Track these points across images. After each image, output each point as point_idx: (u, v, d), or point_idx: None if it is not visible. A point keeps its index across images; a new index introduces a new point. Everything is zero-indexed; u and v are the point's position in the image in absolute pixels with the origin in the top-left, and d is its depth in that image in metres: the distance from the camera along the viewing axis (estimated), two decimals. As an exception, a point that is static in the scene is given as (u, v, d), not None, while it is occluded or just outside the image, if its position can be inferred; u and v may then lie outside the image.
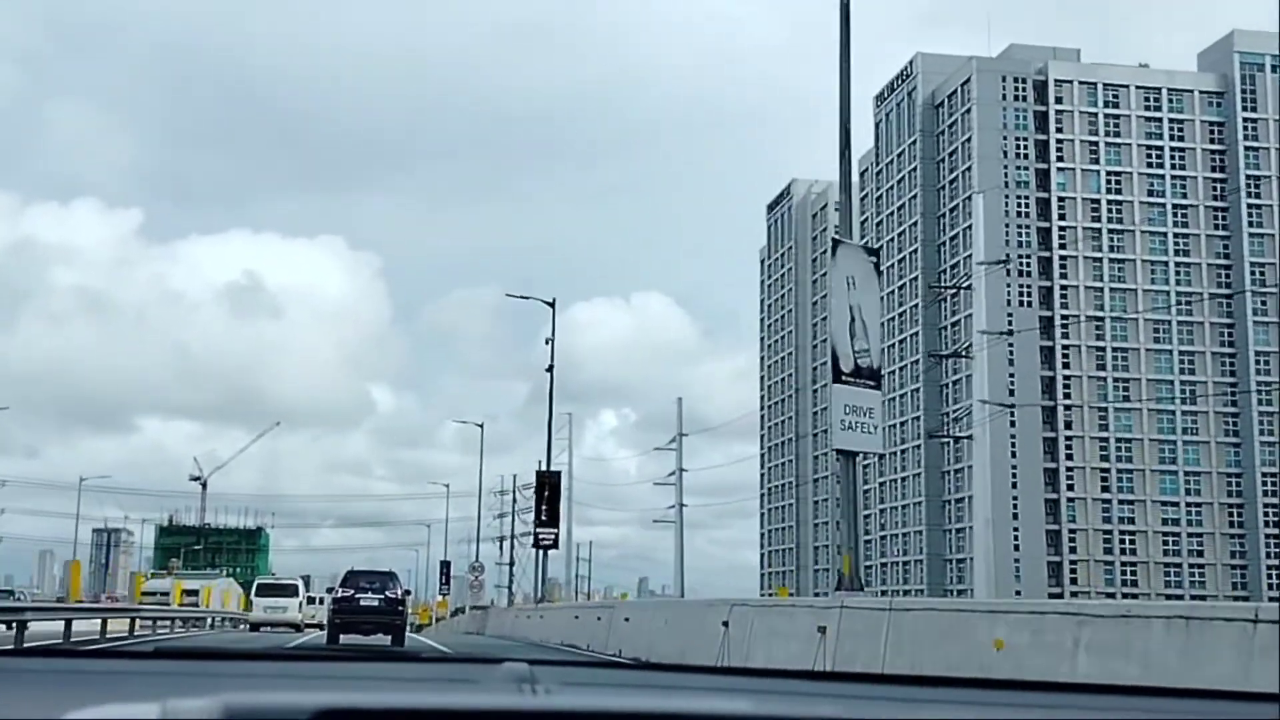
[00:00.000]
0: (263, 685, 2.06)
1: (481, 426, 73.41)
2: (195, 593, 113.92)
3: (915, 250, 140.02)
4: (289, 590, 50.64)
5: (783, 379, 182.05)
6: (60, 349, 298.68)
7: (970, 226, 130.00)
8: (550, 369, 46.10)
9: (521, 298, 47.67)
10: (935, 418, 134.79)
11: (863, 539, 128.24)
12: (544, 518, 45.41)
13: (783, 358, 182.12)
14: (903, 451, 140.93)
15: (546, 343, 46.03)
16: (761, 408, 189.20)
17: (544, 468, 46.59)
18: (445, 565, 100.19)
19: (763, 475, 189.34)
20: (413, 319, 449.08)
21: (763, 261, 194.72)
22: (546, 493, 45.45)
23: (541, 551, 46.17)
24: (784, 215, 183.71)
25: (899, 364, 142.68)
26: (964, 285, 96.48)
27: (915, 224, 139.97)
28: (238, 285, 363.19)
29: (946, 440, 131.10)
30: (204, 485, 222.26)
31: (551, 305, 46.10)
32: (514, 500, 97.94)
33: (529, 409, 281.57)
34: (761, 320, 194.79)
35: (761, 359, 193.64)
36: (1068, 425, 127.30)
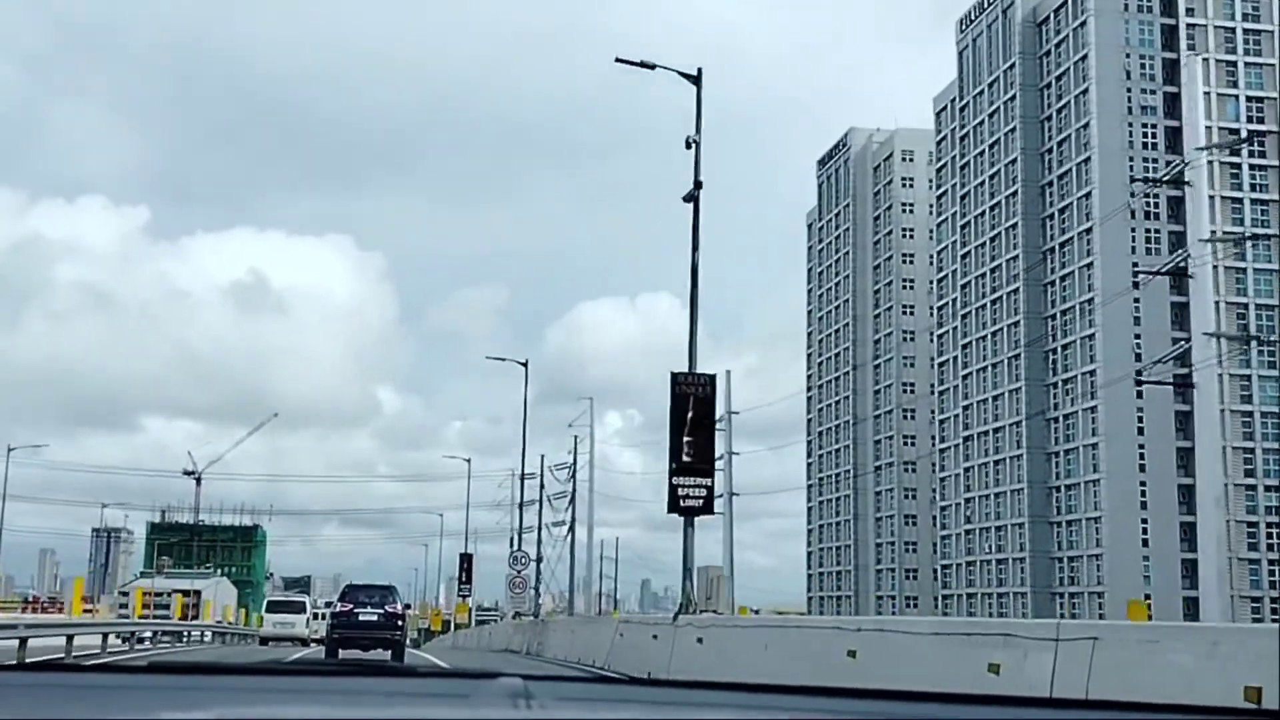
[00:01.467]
0: (257, 700, 2.09)
1: (525, 365, 53.14)
2: (194, 594, 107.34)
3: (1014, 193, 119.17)
4: (296, 607, 53.53)
5: (836, 355, 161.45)
6: (64, 346, 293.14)
7: (1088, 159, 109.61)
8: (694, 232, 25.74)
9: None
10: (1038, 389, 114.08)
11: (938, 535, 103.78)
12: (688, 456, 24.77)
13: (837, 330, 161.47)
14: (995, 431, 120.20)
15: (697, 188, 25.75)
16: (809, 389, 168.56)
17: (691, 367, 25.92)
18: (466, 559, 79.70)
19: (810, 465, 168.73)
20: (419, 319, 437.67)
21: (810, 225, 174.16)
22: (691, 414, 24.89)
23: (688, 524, 25.38)
24: (839, 170, 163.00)
25: (993, 328, 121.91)
26: (1180, 180, 74.97)
27: (1013, 162, 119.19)
28: (243, 284, 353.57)
29: (1054, 417, 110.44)
30: (198, 480, 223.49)
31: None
32: (541, 484, 77.60)
33: (533, 409, 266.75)
34: (809, 291, 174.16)
35: (809, 335, 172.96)
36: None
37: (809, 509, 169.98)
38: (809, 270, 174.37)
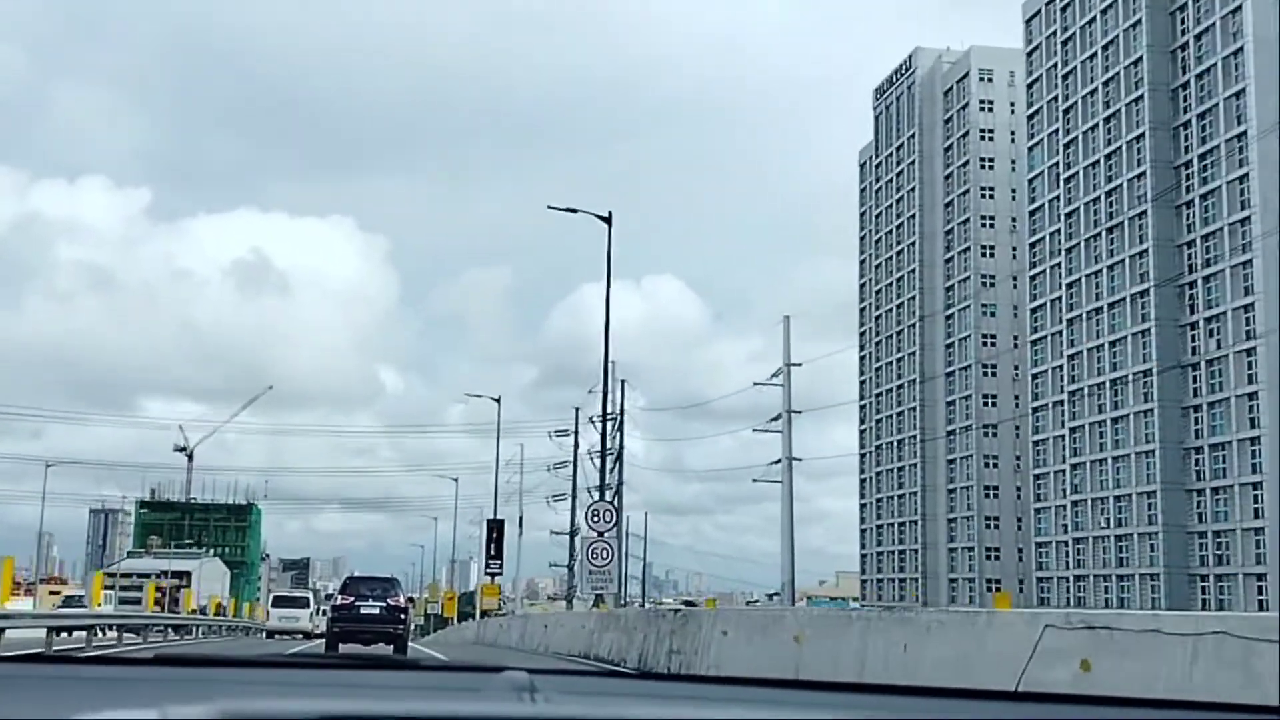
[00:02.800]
0: (261, 693, 2.08)
1: (609, 220, 34.97)
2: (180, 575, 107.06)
3: (1138, 100, 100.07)
4: (301, 602, 55.37)
5: (899, 305, 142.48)
6: (64, 327, 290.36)
7: (1239, 51, 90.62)
8: None
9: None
10: (1171, 331, 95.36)
11: (1032, 508, 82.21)
12: None
13: (899, 279, 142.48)
14: (1114, 384, 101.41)
15: None
16: (862, 347, 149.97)
17: None
18: (495, 528, 61.26)
19: (864, 432, 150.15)
20: (421, 301, 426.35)
21: (864, 164, 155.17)
22: None
23: None
24: (900, 98, 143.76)
25: (1109, 262, 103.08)
26: None
27: (1137, 62, 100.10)
28: (245, 263, 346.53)
29: (1193, 363, 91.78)
30: (190, 456, 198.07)
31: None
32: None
33: (536, 392, 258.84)
34: (862, 239, 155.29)
35: (863, 286, 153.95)
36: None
37: (862, 480, 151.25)
38: (862, 215, 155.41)
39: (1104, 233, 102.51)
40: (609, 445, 71.74)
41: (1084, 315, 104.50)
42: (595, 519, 34.45)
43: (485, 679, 2.08)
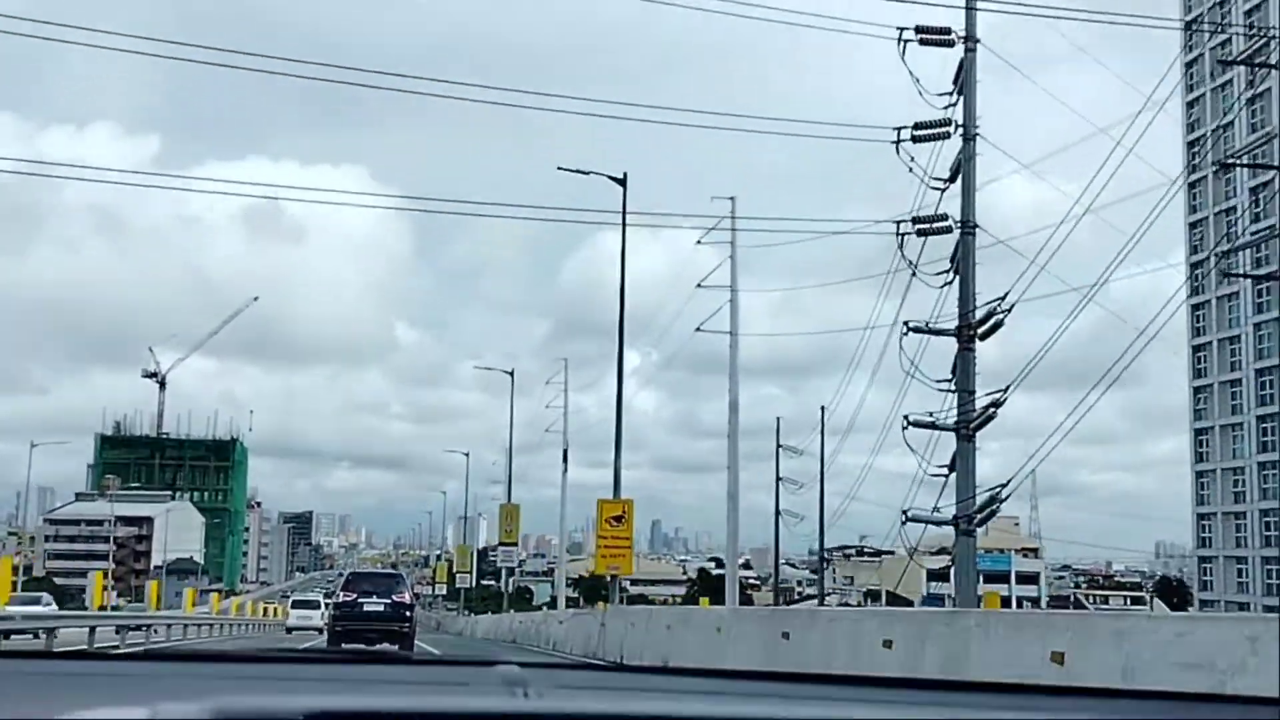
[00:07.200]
0: (253, 688, 2.10)
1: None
2: (140, 523, 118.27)
3: None
4: (314, 604, 62.31)
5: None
6: (71, 275, 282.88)
7: None
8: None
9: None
10: None
11: None
12: None
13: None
14: None
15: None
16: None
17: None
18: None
19: (1200, 276, 73.88)
20: (434, 252, 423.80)
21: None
22: None
23: None
24: None
25: None
26: None
27: None
28: (256, 209, 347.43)
29: None
30: (162, 384, 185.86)
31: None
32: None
33: (549, 347, 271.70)
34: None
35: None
36: None
37: (1196, 352, 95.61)
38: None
39: None
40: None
41: None
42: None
43: (477, 673, 2.11)
